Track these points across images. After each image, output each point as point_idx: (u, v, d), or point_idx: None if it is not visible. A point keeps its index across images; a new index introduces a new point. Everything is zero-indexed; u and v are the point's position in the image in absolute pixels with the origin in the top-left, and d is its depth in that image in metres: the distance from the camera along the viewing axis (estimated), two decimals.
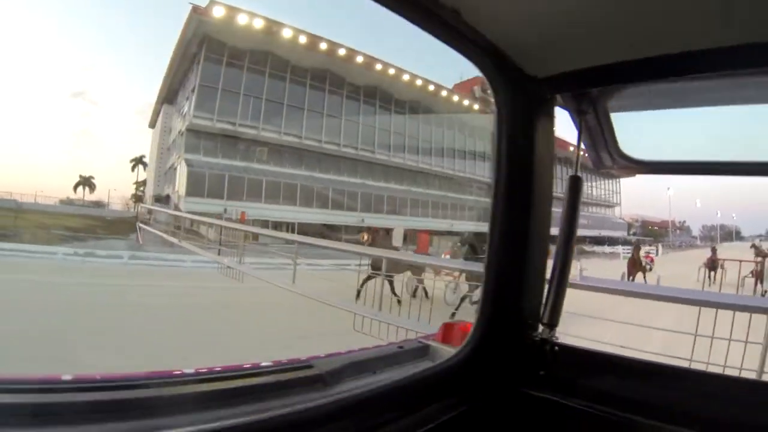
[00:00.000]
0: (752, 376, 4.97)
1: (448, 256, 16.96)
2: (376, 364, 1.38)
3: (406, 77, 38.80)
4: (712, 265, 22.68)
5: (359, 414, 1.19)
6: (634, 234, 63.41)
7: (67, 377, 1.07)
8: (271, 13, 33.15)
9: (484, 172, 42.03)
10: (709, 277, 21.91)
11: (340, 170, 38.65)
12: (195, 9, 31.27)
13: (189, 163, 33.32)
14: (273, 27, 33.22)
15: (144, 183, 51.85)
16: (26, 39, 62.44)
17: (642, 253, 22.62)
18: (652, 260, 23.70)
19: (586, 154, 1.81)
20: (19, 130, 60.37)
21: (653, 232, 67.70)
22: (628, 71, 1.35)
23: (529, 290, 1.50)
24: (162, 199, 40.38)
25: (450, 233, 34.87)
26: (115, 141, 72.09)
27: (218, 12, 31.19)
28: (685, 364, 4.84)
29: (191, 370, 1.17)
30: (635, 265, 19.70)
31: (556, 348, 1.48)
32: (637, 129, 1.88)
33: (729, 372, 4.82)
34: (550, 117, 1.52)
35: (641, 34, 1.25)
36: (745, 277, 19.29)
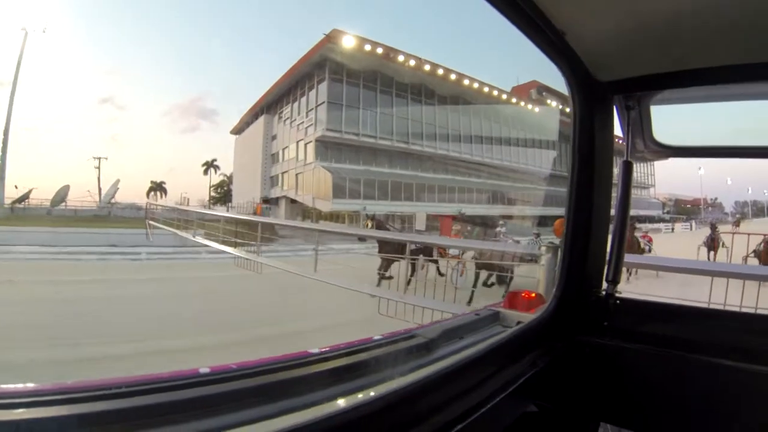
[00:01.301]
0: None
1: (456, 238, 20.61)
2: (461, 331, 1.79)
3: (476, 85, 52.80)
4: (712, 243, 23.38)
5: (458, 379, 1.53)
6: (668, 212, 79.97)
7: (204, 370, 1.29)
8: (377, 36, 47.53)
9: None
10: (708, 258, 22.59)
11: (424, 167, 54.01)
12: (329, 37, 44.57)
13: (329, 170, 47.02)
14: (378, 49, 46.18)
15: (221, 185, 67.22)
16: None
17: (640, 233, 24.16)
18: (650, 240, 24.58)
19: (621, 141, 2.42)
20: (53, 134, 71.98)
21: (686, 209, 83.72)
22: (674, 79, 1.89)
23: (594, 256, 2.05)
24: (271, 201, 54.90)
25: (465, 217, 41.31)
26: (146, 144, 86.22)
27: (344, 39, 44.39)
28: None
29: (316, 350, 1.45)
30: (632, 247, 20.22)
31: (618, 301, 2.04)
32: (668, 118, 2.49)
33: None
34: (610, 113, 2.06)
35: (688, 49, 1.77)
36: (747, 256, 20.34)
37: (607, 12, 1.52)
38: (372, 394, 1.28)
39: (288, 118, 53.83)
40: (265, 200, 54.80)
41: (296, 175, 51.78)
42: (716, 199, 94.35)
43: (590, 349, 2.02)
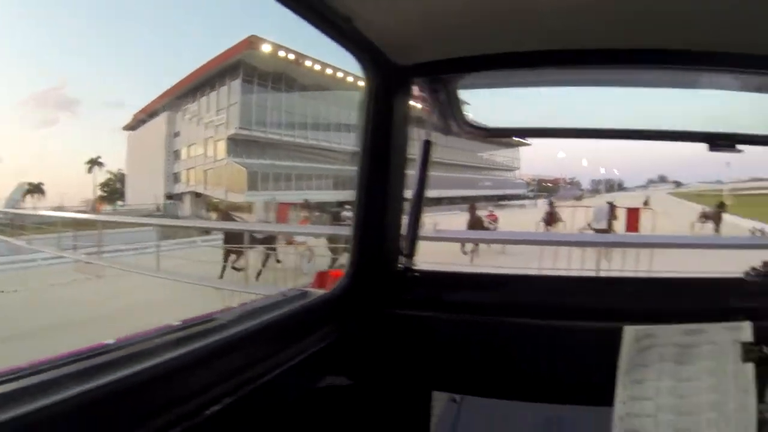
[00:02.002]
0: None
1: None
2: (263, 311, 1.77)
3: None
4: (550, 219, 26.00)
5: (245, 348, 1.57)
6: (532, 191, 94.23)
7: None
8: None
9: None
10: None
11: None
12: (250, 42, 49.94)
13: (243, 165, 54.77)
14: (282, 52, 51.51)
15: (107, 184, 68.86)
16: None
17: (485, 212, 25.74)
18: (495, 219, 26.01)
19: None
20: None
21: (547, 188, 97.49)
22: (475, 63, 1.91)
23: (389, 231, 2.07)
24: (174, 197, 59.95)
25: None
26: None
27: (262, 45, 50.15)
28: None
29: (112, 341, 1.37)
30: (475, 227, 21.99)
31: (416, 274, 2.10)
32: (489, 101, 2.61)
33: None
34: (408, 96, 2.05)
35: (487, 34, 1.77)
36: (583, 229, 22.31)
37: None
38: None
39: (195, 116, 59.89)
40: (169, 196, 60.45)
41: (204, 171, 59.04)
42: (574, 178, 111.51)
43: (396, 322, 2.07)
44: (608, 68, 2.03)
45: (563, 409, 1.94)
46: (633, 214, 21.79)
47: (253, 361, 1.62)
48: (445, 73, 2.06)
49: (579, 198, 71.17)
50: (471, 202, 25.37)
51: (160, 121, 62.57)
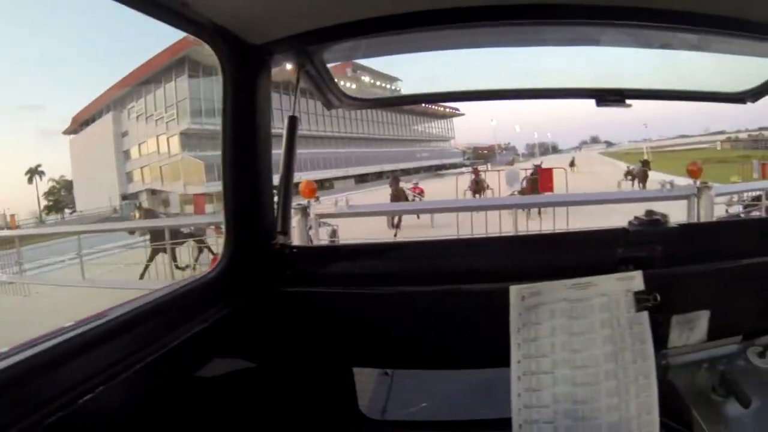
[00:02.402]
0: None
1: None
2: (145, 299, 1.58)
3: None
4: (477, 187, 23.78)
5: (130, 331, 1.46)
6: (468, 158, 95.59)
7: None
8: None
9: None
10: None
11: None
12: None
13: (199, 158, 53.68)
14: None
15: (52, 192, 65.67)
16: None
17: (409, 185, 24.02)
18: (421, 192, 24.65)
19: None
20: None
21: (483, 155, 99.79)
22: (334, 32, 1.78)
23: (262, 210, 1.96)
24: (129, 197, 57.49)
25: None
26: None
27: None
28: None
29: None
30: (399, 200, 19.83)
31: (295, 250, 1.97)
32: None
33: None
34: (268, 75, 1.91)
35: (335, 3, 1.64)
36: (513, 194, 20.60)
37: None
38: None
39: (142, 114, 59.10)
40: (124, 197, 58.49)
41: (160, 167, 58.77)
42: (509, 143, 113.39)
43: (285, 299, 1.94)
44: (491, 27, 1.87)
45: (471, 373, 1.93)
46: (545, 175, 21.23)
47: (134, 348, 1.48)
48: (304, 46, 1.93)
49: (511, 163, 71.19)
50: (393, 176, 22.39)
51: (104, 123, 60.83)
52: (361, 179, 64.89)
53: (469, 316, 1.83)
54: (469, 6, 1.71)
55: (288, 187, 2.08)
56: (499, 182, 23.60)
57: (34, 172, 65.35)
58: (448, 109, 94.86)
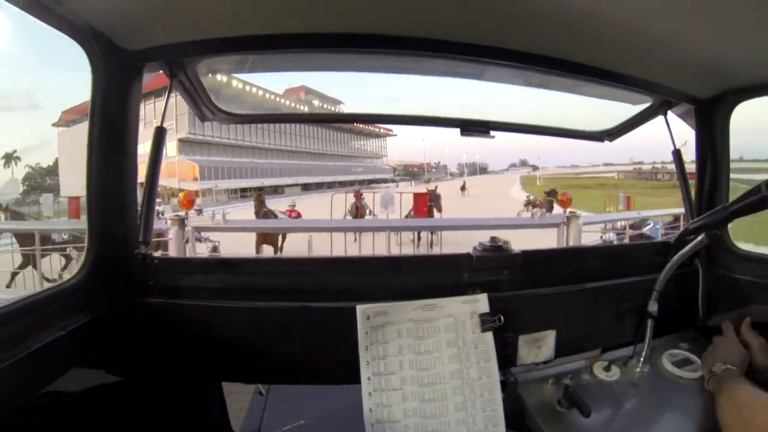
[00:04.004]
0: None
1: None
2: (13, 306, 1.35)
3: None
4: (357, 212, 18.63)
5: None
6: (398, 175, 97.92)
7: None
8: None
9: None
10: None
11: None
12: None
13: (195, 161, 58.28)
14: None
15: (29, 178, 60.73)
16: None
17: (284, 207, 17.80)
18: (299, 216, 17.21)
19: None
20: None
21: (413, 172, 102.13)
22: (212, 46, 1.58)
23: (125, 219, 1.68)
24: None
25: None
26: None
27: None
28: None
29: None
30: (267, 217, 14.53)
31: (156, 261, 1.72)
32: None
33: None
34: (140, 81, 1.65)
35: (223, 15, 1.45)
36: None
37: None
38: None
39: (141, 119, 58.69)
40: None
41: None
42: (439, 162, 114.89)
43: (145, 310, 1.67)
44: (373, 54, 1.74)
45: (328, 389, 1.75)
46: (419, 200, 18.15)
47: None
48: (178, 57, 1.68)
49: (427, 182, 68.08)
50: (257, 193, 16.37)
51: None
52: (306, 188, 65.47)
53: (322, 332, 1.66)
54: (350, 33, 1.58)
55: (151, 197, 1.83)
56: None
57: (9, 158, 62.11)
58: (382, 130, 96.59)
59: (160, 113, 1.79)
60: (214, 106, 2.01)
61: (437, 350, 1.53)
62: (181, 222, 6.03)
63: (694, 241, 1.75)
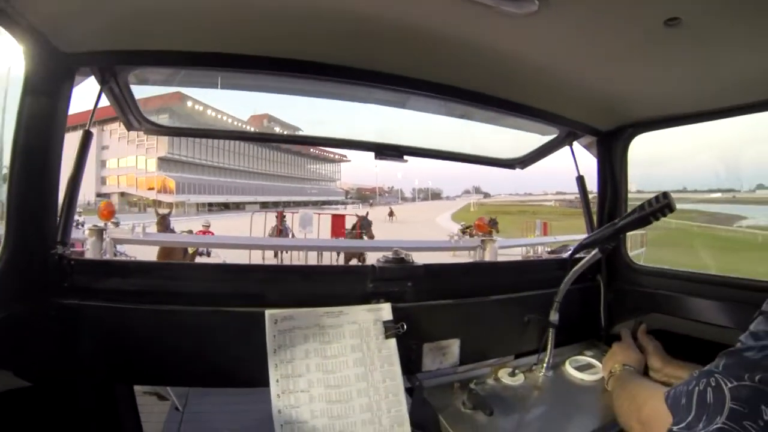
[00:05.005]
0: None
1: None
2: None
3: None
4: (277, 233, 17.23)
5: None
6: (350, 198, 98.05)
7: None
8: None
9: None
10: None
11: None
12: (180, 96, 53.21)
13: (172, 177, 61.10)
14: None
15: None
16: None
17: (198, 226, 15.41)
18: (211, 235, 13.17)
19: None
20: None
21: (366, 195, 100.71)
22: (145, 57, 1.50)
23: (44, 219, 1.56)
24: (102, 195, 59.97)
25: None
26: None
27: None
28: None
29: None
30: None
31: (72, 262, 1.57)
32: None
33: None
34: (70, 85, 1.54)
35: (161, 28, 1.38)
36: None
37: None
38: None
39: (123, 137, 60.15)
40: (98, 194, 59.81)
41: (136, 178, 62.83)
42: (392, 187, 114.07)
43: (59, 311, 1.52)
44: (304, 78, 1.69)
45: (242, 401, 1.65)
46: (337, 221, 17.44)
47: None
48: (113, 65, 1.59)
49: (371, 205, 68.68)
50: (161, 214, 12.73)
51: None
52: (264, 205, 65.39)
53: (234, 336, 1.58)
54: (279, 58, 1.54)
55: (72, 198, 1.69)
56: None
57: None
58: (336, 155, 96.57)
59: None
60: (141, 116, 1.90)
61: (342, 354, 1.48)
62: (100, 233, 5.39)
63: (588, 256, 1.75)
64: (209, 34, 1.44)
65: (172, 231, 12.39)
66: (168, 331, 1.58)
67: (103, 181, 63.93)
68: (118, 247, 6.55)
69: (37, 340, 1.52)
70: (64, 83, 1.55)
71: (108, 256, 5.48)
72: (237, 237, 8.05)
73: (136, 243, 6.67)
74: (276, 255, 14.89)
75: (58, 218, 1.65)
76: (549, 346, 1.77)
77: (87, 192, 56.47)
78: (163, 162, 61.92)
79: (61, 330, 1.55)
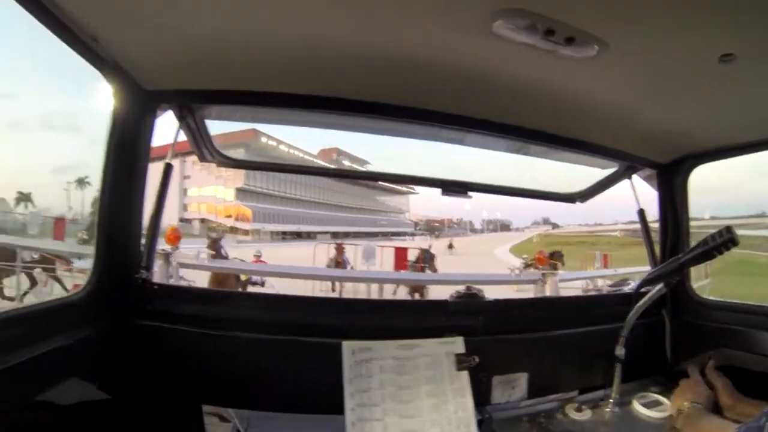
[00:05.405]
0: None
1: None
2: (10, 312, 1.31)
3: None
4: (336, 266, 16.42)
5: None
6: (419, 229, 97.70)
7: None
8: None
9: None
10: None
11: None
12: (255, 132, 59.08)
13: (248, 206, 64.93)
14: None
15: None
16: None
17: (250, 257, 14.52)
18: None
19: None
20: None
21: (434, 227, 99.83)
22: (223, 96, 1.60)
23: (130, 245, 1.65)
24: (184, 220, 64.53)
25: None
26: None
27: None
28: None
29: None
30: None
31: (155, 287, 1.66)
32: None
33: None
34: (153, 120, 1.64)
35: (235, 71, 1.48)
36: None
37: (142, 23, 1.23)
38: None
39: (204, 168, 61.32)
40: (181, 219, 63.45)
41: (215, 206, 67.23)
42: (462, 219, 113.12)
43: (141, 332, 1.61)
44: (369, 118, 1.75)
45: (309, 418, 1.64)
46: (400, 254, 16.62)
47: None
48: (191, 103, 1.69)
49: (437, 237, 69.18)
50: (212, 237, 13.01)
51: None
52: (334, 235, 66.72)
53: (309, 365, 1.63)
54: (351, 99, 1.60)
55: (156, 227, 1.78)
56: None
57: (81, 183, 59.45)
58: (405, 188, 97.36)
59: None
60: (214, 150, 1.99)
61: (416, 385, 1.49)
62: (167, 257, 5.52)
63: (653, 290, 1.72)
64: (281, 76, 1.52)
65: (224, 255, 12.04)
66: (244, 357, 1.64)
67: (185, 207, 68.02)
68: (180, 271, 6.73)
69: (119, 358, 1.59)
70: (147, 118, 1.65)
71: (173, 280, 5.74)
72: (295, 267, 7.93)
73: (201, 268, 7.19)
74: (333, 287, 14.74)
75: (142, 245, 1.73)
76: (615, 382, 1.73)
77: (171, 217, 59.54)
78: (240, 192, 65.76)
79: (141, 349, 1.63)
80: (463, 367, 1.53)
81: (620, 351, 1.72)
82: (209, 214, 67.03)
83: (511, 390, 1.69)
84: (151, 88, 1.58)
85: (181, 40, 1.31)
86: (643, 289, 1.79)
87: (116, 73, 1.47)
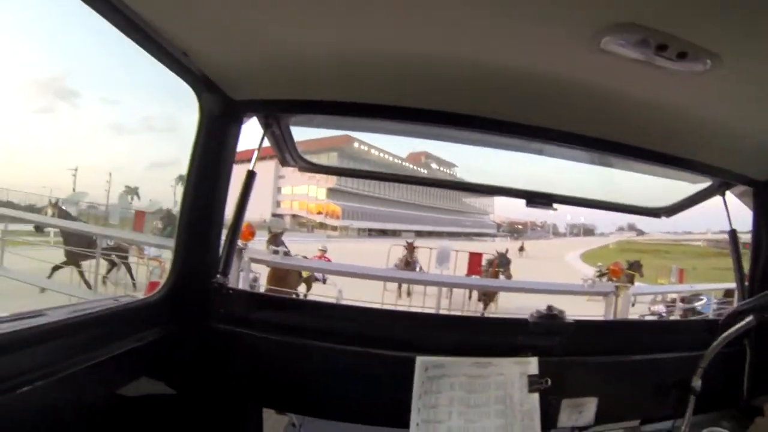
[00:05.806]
0: None
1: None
2: (84, 309, 1.36)
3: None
4: (406, 266, 15.83)
5: (68, 336, 1.22)
6: (502, 230, 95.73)
7: None
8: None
9: None
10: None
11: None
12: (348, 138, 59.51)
13: (338, 205, 67.75)
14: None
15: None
16: None
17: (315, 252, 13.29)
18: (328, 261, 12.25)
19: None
20: None
21: (517, 229, 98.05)
22: (304, 106, 1.62)
23: (208, 249, 1.69)
24: (277, 215, 63.41)
25: None
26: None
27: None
28: None
29: None
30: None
31: (231, 291, 1.70)
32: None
33: None
34: (238, 129, 1.68)
35: (315, 81, 1.50)
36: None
37: (229, 37, 1.26)
38: None
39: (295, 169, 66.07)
40: (273, 214, 63.05)
41: (307, 204, 70.07)
42: (545, 221, 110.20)
43: (213, 334, 1.65)
44: (431, 126, 1.74)
45: (371, 430, 1.64)
46: (474, 259, 15.30)
47: (81, 348, 1.27)
48: (277, 113, 1.73)
49: (516, 239, 67.87)
50: (273, 233, 9.52)
51: (267, 166, 64.23)
52: (419, 234, 66.52)
53: (377, 377, 1.62)
54: (432, 110, 1.58)
55: (235, 233, 1.82)
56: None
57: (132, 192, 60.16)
58: None
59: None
60: (297, 155, 2.02)
61: (485, 405, 1.46)
62: (239, 252, 5.59)
63: (742, 322, 1.62)
64: (367, 87, 1.52)
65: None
66: (312, 364, 1.65)
67: (278, 203, 70.71)
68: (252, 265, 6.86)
69: (189, 357, 1.65)
70: (233, 126, 1.70)
71: (243, 273, 6.02)
72: (357, 266, 7.81)
73: (272, 265, 7.30)
74: (399, 288, 14.35)
75: (221, 250, 1.76)
76: (687, 414, 1.62)
77: (264, 212, 60.47)
78: (331, 192, 68.01)
79: (211, 351, 1.68)
80: (534, 389, 1.48)
81: (697, 382, 1.62)
82: (301, 210, 69.68)
83: (578, 414, 1.63)
84: (238, 98, 1.63)
85: (267, 52, 1.34)
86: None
87: (203, 83, 1.52)
